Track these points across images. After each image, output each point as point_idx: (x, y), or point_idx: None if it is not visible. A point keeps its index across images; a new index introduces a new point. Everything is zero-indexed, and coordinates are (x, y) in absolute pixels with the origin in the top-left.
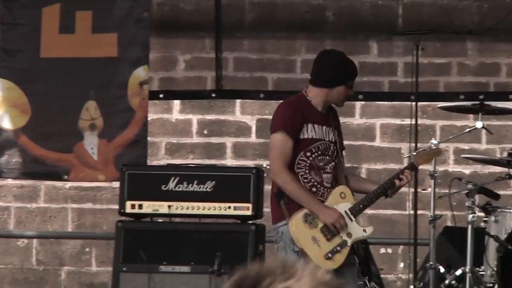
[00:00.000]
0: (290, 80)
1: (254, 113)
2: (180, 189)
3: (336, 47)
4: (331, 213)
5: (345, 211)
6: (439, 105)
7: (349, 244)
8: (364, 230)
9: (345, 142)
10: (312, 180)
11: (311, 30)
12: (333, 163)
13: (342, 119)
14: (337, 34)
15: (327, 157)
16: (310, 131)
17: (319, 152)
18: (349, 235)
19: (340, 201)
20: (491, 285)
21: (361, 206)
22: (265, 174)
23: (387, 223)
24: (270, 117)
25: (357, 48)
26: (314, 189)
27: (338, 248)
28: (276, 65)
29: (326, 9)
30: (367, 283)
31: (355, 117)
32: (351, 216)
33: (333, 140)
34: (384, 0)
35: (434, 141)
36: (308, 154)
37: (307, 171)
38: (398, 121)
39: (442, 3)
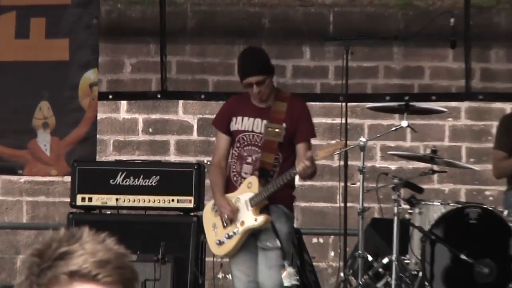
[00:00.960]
0: (229, 82)
1: (196, 113)
2: (127, 183)
3: (271, 52)
4: (223, 203)
5: (245, 201)
6: (367, 106)
7: (239, 232)
8: (255, 219)
9: None
10: (234, 170)
11: (248, 35)
12: (258, 154)
13: None
14: (272, 40)
15: (253, 148)
16: (237, 123)
17: (245, 143)
18: (242, 223)
19: (246, 191)
20: (415, 272)
21: (261, 196)
22: (206, 169)
23: (319, 215)
24: (211, 116)
25: (291, 53)
26: (235, 178)
27: (228, 235)
28: (216, 68)
29: (262, 16)
30: (286, 265)
31: None
32: (249, 206)
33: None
34: (316, 8)
35: (362, 139)
36: (237, 145)
37: (234, 162)
38: (329, 120)
39: (370, 11)
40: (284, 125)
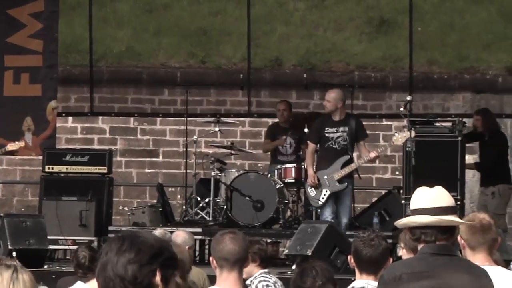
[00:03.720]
0: None
1: (107, 123)
2: (72, 159)
3: None
4: None
5: None
6: (198, 120)
7: None
8: None
9: None
10: None
11: None
12: None
13: None
14: None
15: None
16: None
17: None
18: None
19: None
20: (222, 206)
21: None
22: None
23: (171, 176)
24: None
25: None
26: None
27: None
28: None
29: None
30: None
31: (157, 125)
32: None
33: None
34: (170, 68)
35: (195, 137)
36: None
37: None
38: (177, 127)
39: None
40: None
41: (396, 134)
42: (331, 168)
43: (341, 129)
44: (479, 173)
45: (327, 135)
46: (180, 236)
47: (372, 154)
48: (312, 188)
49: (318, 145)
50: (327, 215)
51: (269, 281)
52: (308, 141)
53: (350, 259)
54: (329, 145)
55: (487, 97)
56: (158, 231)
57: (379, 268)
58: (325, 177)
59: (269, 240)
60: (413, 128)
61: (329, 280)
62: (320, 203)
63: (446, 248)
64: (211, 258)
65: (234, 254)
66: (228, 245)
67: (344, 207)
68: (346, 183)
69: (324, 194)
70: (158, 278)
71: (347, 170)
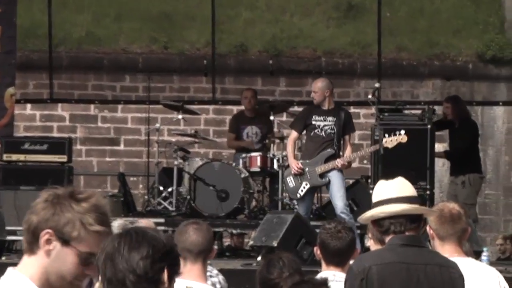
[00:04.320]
0: None
1: (68, 110)
2: (31, 148)
3: None
4: None
5: None
6: (161, 102)
7: None
8: None
9: None
10: None
11: None
12: None
13: None
14: None
15: None
16: None
17: None
18: None
19: None
20: (186, 196)
21: None
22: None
23: (134, 165)
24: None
25: None
26: None
27: None
28: None
29: None
30: None
31: (118, 112)
32: None
33: None
34: (132, 54)
35: (157, 125)
36: None
37: None
38: (139, 114)
39: None
40: None
41: (387, 136)
42: (314, 160)
43: (330, 118)
44: (449, 162)
45: (314, 123)
46: (143, 225)
47: (339, 163)
48: (292, 179)
49: (305, 134)
50: (302, 212)
51: (212, 272)
52: (292, 129)
53: (317, 251)
54: (315, 133)
55: (457, 84)
56: (118, 222)
57: (346, 260)
58: (307, 169)
59: (234, 231)
60: (404, 133)
61: (296, 271)
62: (299, 195)
63: (415, 239)
64: None
65: (198, 245)
66: (192, 236)
67: (336, 189)
68: (327, 179)
69: (304, 187)
70: (165, 276)
71: (330, 165)
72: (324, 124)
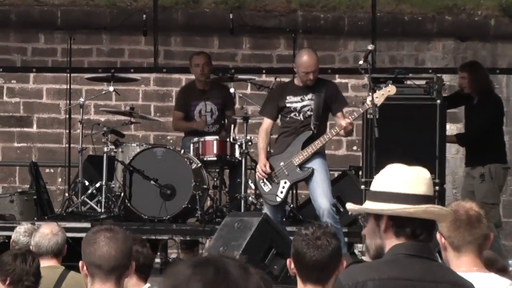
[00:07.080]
0: None
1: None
2: None
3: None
4: None
5: None
6: (86, 76)
7: None
8: None
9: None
10: None
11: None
12: None
13: None
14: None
15: None
16: None
17: None
18: None
19: None
20: (119, 193)
21: None
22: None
23: (50, 152)
24: None
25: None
26: None
27: None
28: None
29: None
30: None
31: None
32: None
33: None
34: (48, 6)
35: (81, 100)
36: None
37: None
38: (57, 86)
39: (87, 9)
40: None
41: (377, 91)
42: (288, 151)
43: (309, 96)
44: (464, 149)
45: (288, 105)
46: (49, 231)
47: (344, 122)
48: (265, 181)
49: (279, 120)
50: (274, 216)
51: None
52: (263, 116)
53: (290, 264)
54: (291, 118)
55: (475, 46)
56: (24, 227)
57: (328, 275)
58: (282, 163)
59: (182, 239)
60: (391, 83)
61: None
62: (279, 199)
63: (425, 249)
64: (80, 264)
65: (109, 260)
66: (102, 248)
67: (319, 182)
68: (311, 169)
69: (283, 187)
70: None
71: (309, 150)
72: (301, 105)
